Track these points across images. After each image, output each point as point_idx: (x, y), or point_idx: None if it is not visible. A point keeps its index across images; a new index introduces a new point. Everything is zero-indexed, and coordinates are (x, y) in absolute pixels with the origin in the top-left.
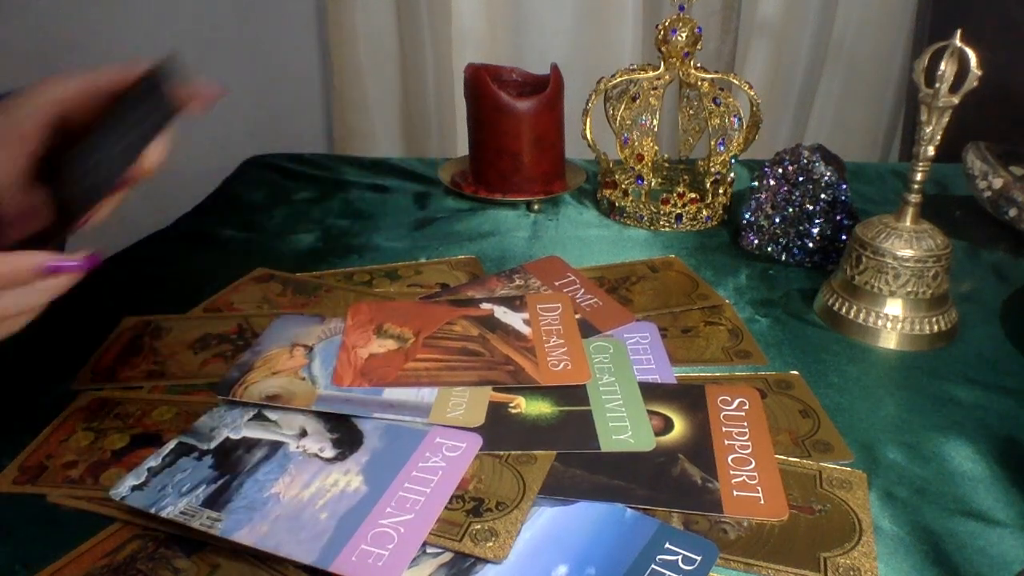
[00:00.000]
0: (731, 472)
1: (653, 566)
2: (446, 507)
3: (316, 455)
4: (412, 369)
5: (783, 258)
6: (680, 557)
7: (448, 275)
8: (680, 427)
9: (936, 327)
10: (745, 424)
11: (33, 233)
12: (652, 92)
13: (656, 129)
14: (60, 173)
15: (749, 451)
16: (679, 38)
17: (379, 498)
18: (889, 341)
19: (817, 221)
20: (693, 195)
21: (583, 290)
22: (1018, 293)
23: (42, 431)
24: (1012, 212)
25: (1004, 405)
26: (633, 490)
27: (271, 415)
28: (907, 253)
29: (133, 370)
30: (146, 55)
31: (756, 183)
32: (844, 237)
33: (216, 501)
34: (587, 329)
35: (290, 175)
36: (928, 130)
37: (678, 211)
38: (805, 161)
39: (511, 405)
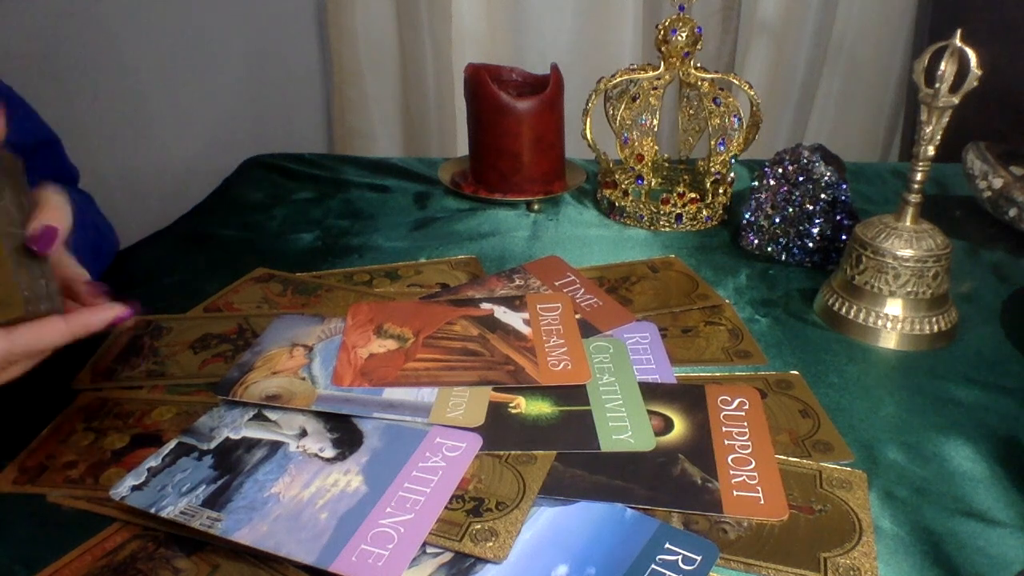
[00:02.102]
0: (731, 472)
1: (653, 566)
2: (446, 507)
3: (316, 455)
4: (412, 369)
5: (783, 258)
6: (680, 557)
7: (448, 275)
8: (680, 427)
9: (936, 327)
10: (745, 424)
11: None
12: (652, 92)
13: (656, 129)
14: None
15: (749, 451)
16: (679, 38)
17: (379, 498)
18: (889, 341)
19: (817, 221)
20: (693, 195)
21: (583, 290)
22: (1018, 293)
23: (42, 431)
24: (1012, 212)
25: (1004, 405)
26: (633, 490)
27: (271, 415)
28: (907, 253)
29: (133, 370)
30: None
31: (756, 183)
32: (844, 237)
33: (216, 501)
34: (587, 329)
35: (290, 175)
36: (928, 130)
37: (678, 211)
38: (805, 161)
39: (511, 405)
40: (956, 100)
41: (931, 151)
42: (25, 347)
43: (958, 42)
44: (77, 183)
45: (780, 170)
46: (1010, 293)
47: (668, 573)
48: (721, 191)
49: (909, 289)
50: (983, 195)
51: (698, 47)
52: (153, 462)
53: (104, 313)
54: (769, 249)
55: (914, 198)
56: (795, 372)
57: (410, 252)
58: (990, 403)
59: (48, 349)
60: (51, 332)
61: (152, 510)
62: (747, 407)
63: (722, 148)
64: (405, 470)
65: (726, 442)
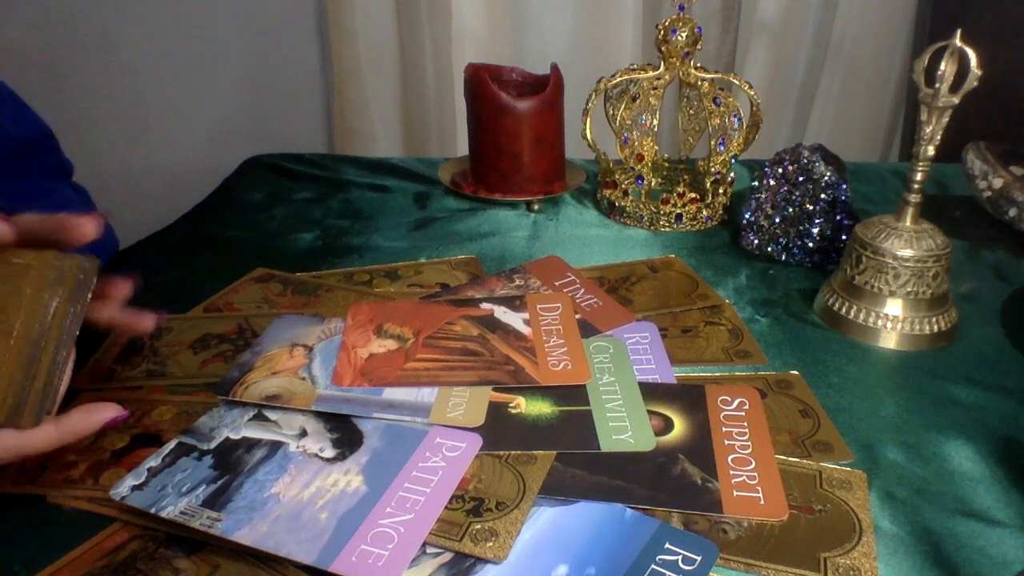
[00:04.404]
0: (731, 472)
1: (653, 566)
2: (446, 507)
3: (316, 455)
4: (412, 369)
5: (783, 258)
6: (680, 557)
7: (448, 275)
8: (680, 427)
9: (936, 327)
10: (745, 424)
11: None
12: (652, 92)
13: (656, 129)
14: None
15: (749, 451)
16: (679, 38)
17: (379, 498)
18: (889, 341)
19: (817, 221)
20: (693, 195)
21: (583, 290)
22: (1018, 293)
23: None
24: (1012, 212)
25: (1004, 405)
26: (633, 490)
27: (271, 415)
28: (907, 253)
29: (133, 370)
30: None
31: (756, 183)
32: (844, 237)
33: (216, 501)
34: (587, 329)
35: (290, 175)
36: (928, 130)
37: (678, 211)
38: (805, 161)
39: (511, 405)
40: (956, 100)
41: (931, 151)
42: (9, 450)
43: (958, 42)
44: (71, 177)
45: (780, 170)
46: (1010, 293)
47: (668, 573)
48: (721, 191)
49: (909, 289)
50: (983, 195)
51: (698, 47)
52: (153, 462)
53: (94, 416)
54: (769, 249)
55: (914, 198)
56: (795, 372)
57: (410, 252)
58: (990, 403)
59: (33, 453)
60: (40, 437)
61: (152, 510)
62: (747, 407)
63: (722, 148)
64: (405, 470)
65: (726, 442)
